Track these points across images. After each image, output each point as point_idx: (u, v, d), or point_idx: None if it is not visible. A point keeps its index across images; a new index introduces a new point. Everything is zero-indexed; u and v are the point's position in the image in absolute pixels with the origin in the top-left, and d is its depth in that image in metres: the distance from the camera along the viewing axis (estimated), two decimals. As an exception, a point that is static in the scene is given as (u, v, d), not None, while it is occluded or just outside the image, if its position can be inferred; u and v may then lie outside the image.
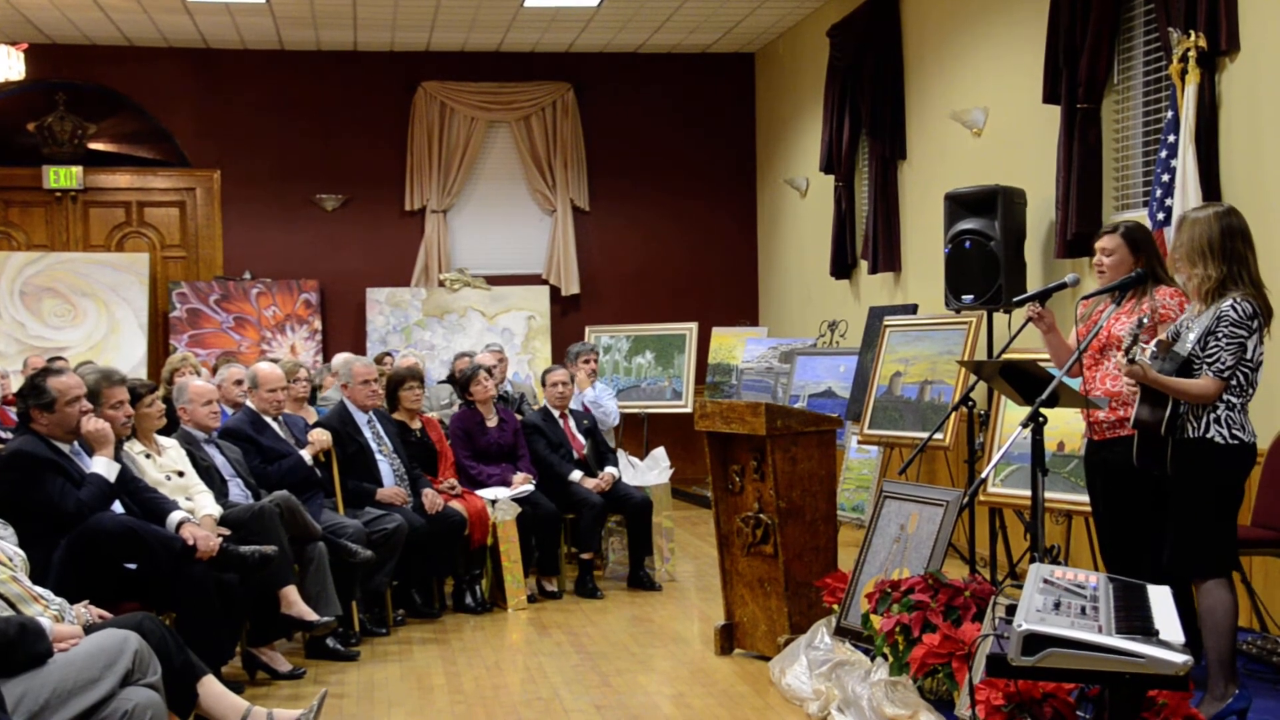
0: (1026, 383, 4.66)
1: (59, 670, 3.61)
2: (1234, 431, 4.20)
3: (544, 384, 7.72)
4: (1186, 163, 5.64)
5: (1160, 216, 5.78)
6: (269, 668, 5.53)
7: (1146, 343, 4.27)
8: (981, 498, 6.26)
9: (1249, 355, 4.19)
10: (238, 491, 5.81)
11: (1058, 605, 3.13)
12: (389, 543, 6.26)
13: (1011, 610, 3.16)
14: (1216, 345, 4.17)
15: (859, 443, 8.70)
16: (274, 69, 11.82)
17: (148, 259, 11.53)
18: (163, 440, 5.56)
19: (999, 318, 7.25)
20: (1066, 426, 5.69)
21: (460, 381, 7.55)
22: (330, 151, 11.95)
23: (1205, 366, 4.19)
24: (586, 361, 8.48)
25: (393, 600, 6.53)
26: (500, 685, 5.42)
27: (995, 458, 5.69)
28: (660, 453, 7.92)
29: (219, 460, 5.83)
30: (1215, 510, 4.24)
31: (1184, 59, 5.73)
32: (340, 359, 7.68)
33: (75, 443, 4.86)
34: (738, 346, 11.17)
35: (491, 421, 7.33)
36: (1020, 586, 3.37)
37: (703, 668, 5.62)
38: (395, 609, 6.54)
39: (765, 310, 12.46)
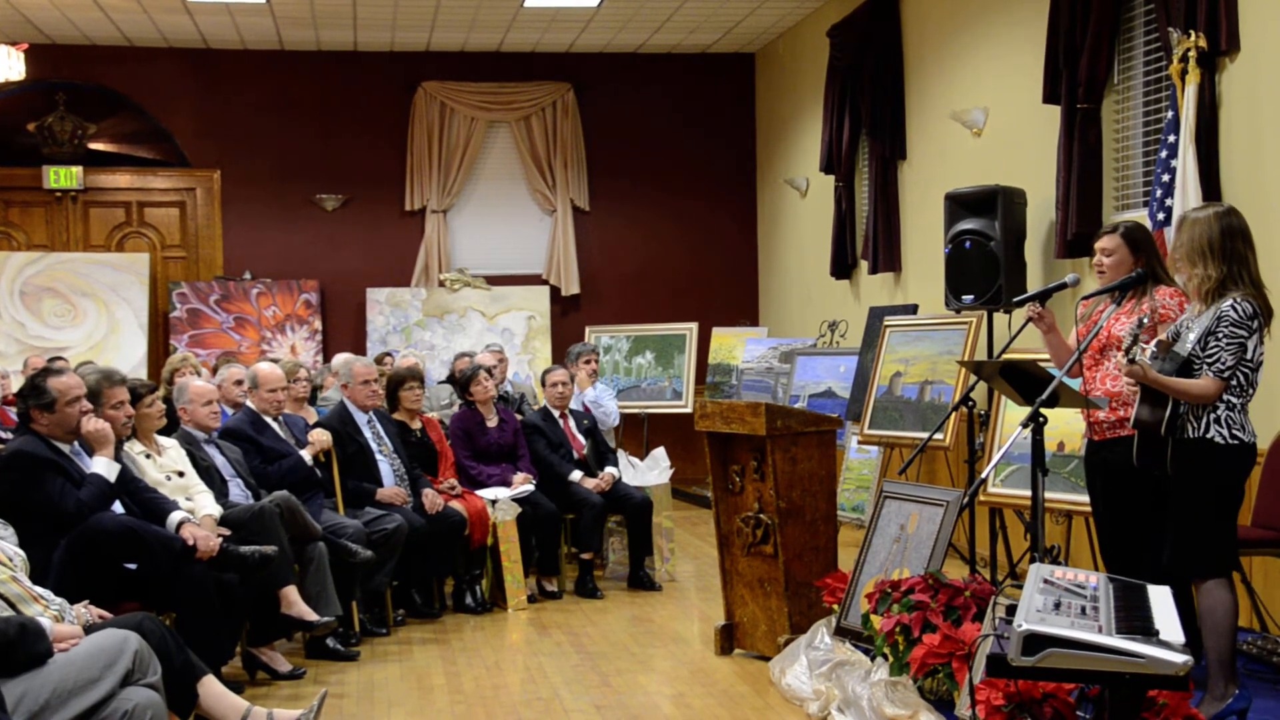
0: (1026, 383, 4.66)
1: (59, 670, 3.61)
2: (1234, 431, 4.20)
3: (544, 384, 7.72)
4: (1186, 163, 5.64)
5: (1160, 216, 5.78)
6: (269, 668, 5.53)
7: (1146, 343, 4.27)
8: (981, 498, 6.26)
9: (1249, 355, 4.19)
10: (238, 492, 5.82)
11: (1058, 605, 3.13)
12: (389, 543, 6.26)
13: (1011, 610, 3.16)
14: (1216, 345, 4.17)
15: (859, 443, 8.70)
16: (274, 69, 11.82)
17: (148, 259, 11.53)
18: (163, 440, 5.56)
19: (999, 318, 7.25)
20: (1066, 426, 5.69)
21: (460, 382, 7.55)
22: (330, 151, 11.95)
23: (1205, 366, 4.19)
24: (587, 362, 8.48)
25: (393, 600, 6.53)
26: (500, 685, 5.42)
27: (995, 458, 5.69)
28: (660, 453, 7.92)
29: (219, 460, 5.83)
30: (1215, 510, 4.24)
31: (1184, 59, 5.73)
32: (340, 359, 7.68)
33: (75, 443, 4.86)
34: (738, 346, 11.17)
35: (491, 422, 7.33)
36: (1020, 586, 3.38)
37: (703, 668, 5.62)
38: (395, 609, 6.54)
39: (765, 310, 12.46)
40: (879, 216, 9.41)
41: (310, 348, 11.52)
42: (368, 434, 6.68)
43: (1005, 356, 5.23)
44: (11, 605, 3.80)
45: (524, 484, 7.15)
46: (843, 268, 10.24)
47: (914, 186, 9.21)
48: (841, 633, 5.17)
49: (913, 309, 8.72)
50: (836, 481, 6.00)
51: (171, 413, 5.83)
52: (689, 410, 10.62)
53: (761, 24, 11.31)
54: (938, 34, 8.77)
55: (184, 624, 4.70)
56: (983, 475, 4.93)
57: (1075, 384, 4.76)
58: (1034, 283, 7.19)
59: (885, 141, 9.38)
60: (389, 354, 10.39)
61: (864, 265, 9.84)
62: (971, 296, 7.16)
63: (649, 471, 7.78)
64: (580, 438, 7.63)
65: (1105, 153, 6.85)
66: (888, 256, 9.37)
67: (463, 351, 9.20)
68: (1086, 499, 5.10)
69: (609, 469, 7.50)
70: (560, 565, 7.26)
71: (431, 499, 6.64)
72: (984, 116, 8.07)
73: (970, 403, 6.25)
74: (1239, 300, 4.18)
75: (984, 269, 7.10)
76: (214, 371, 7.51)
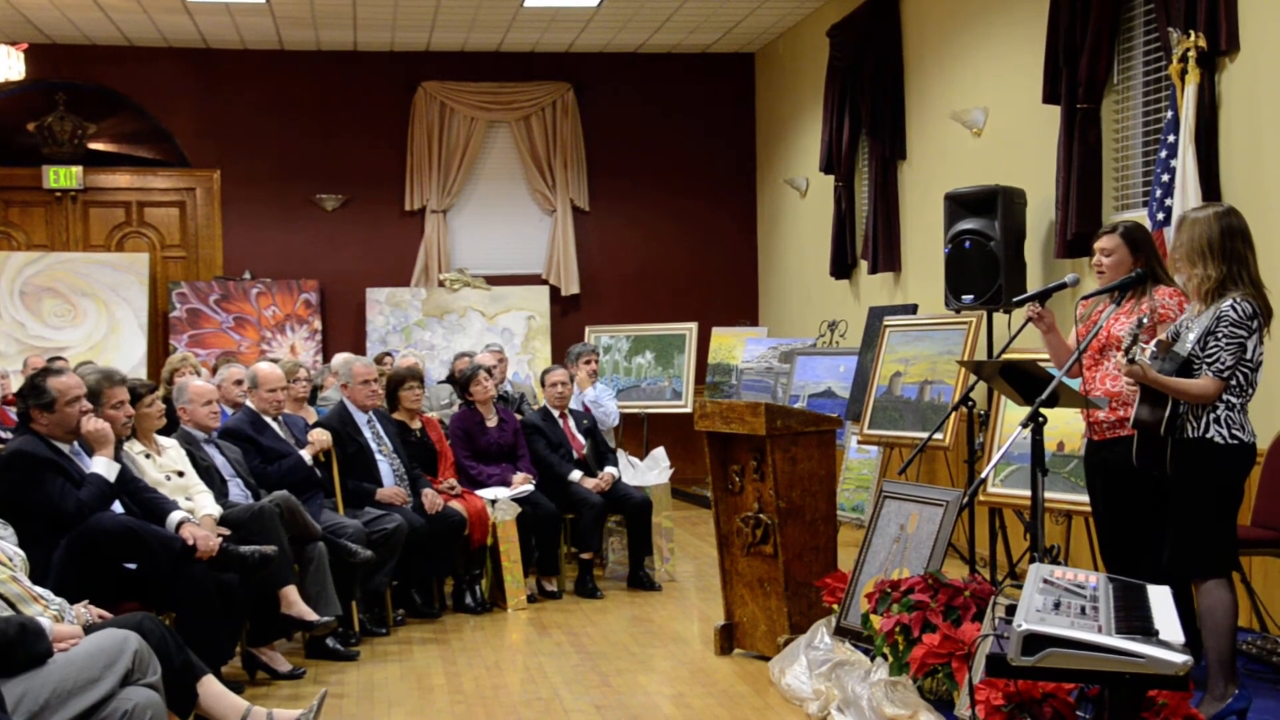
0: (1026, 383, 4.66)
1: (59, 670, 3.61)
2: (1234, 431, 4.20)
3: (543, 384, 7.72)
4: (1186, 163, 5.64)
5: (1160, 216, 5.78)
6: (269, 668, 5.53)
7: (1146, 343, 4.27)
8: (981, 498, 6.26)
9: (1249, 355, 4.19)
10: (238, 491, 5.81)
11: (1058, 605, 3.13)
12: (389, 543, 6.26)
13: (1011, 610, 3.16)
14: (1216, 345, 4.17)
15: (859, 443, 8.70)
16: (274, 69, 11.82)
17: (148, 259, 11.53)
18: (163, 440, 5.56)
19: (999, 318, 7.25)
20: (1066, 426, 5.69)
21: (460, 381, 7.55)
22: (330, 151, 11.95)
23: (1205, 366, 4.19)
24: (587, 362, 8.48)
25: (393, 600, 6.53)
26: (500, 685, 5.42)
27: (995, 458, 5.69)
28: (660, 453, 7.92)
29: (219, 460, 5.83)
30: (1215, 510, 4.24)
31: (1184, 59, 5.73)
32: (340, 359, 7.68)
33: (75, 443, 4.86)
34: (738, 346, 11.17)
35: (491, 421, 7.33)
36: (1020, 586, 3.37)
37: (703, 668, 5.62)
38: (395, 609, 6.54)
39: (765, 310, 12.46)
40: (879, 216, 9.41)
41: (310, 348, 11.52)
42: (367, 434, 6.68)
43: (1005, 356, 5.23)
44: (11, 605, 3.80)
45: (524, 484, 7.15)
46: (842, 268, 10.25)
47: (914, 186, 9.21)
48: (841, 633, 5.17)
49: (912, 309, 8.72)
50: (836, 481, 6.01)
51: (171, 413, 5.83)
52: (689, 410, 10.62)
53: (761, 24, 11.31)
54: (938, 34, 8.77)
55: (184, 624, 4.70)
56: (982, 475, 4.93)
57: (1075, 384, 4.76)
58: (1034, 283, 7.19)
59: (885, 141, 9.38)
60: (389, 354, 10.38)
61: (864, 265, 9.84)
62: (971, 296, 7.16)
63: (649, 471, 7.78)
64: (580, 438, 7.63)
65: (1105, 153, 6.85)
66: (887, 256, 9.37)
67: (462, 351, 9.19)
68: (1086, 499, 5.09)
69: (609, 469, 7.50)
70: (560, 565, 7.26)
71: (431, 499, 6.64)
72: (984, 116, 8.08)
73: (970, 403, 6.25)
74: (1239, 300, 4.18)
75: (984, 269, 7.10)
76: (214, 371, 7.51)
